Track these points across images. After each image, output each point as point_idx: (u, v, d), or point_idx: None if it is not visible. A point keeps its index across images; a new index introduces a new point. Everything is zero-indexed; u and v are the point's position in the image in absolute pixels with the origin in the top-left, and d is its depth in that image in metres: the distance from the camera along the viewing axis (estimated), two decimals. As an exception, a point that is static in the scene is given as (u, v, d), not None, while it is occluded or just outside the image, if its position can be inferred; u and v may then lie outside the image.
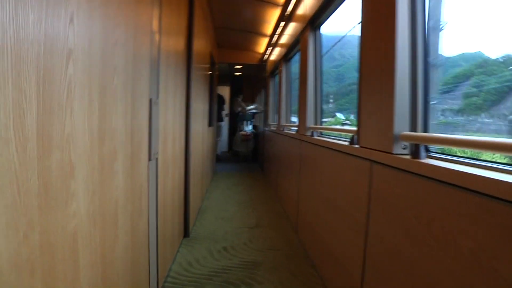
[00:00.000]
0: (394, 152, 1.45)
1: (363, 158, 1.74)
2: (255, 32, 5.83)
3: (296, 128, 3.77)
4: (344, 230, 2.02)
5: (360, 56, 1.86)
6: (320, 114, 3.09)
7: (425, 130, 1.48)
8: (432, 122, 1.50)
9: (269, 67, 6.80)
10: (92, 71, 0.94)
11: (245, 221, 3.78)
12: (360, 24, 1.86)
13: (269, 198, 4.94)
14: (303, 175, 3.21)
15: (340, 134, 2.74)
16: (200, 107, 4.00)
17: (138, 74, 1.41)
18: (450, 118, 1.70)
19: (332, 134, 2.87)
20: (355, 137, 1.96)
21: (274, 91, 6.70)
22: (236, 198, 4.89)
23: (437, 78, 1.55)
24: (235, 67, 8.68)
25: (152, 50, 1.63)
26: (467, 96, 1.69)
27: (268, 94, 6.97)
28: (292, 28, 4.09)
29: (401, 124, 1.46)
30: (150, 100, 1.61)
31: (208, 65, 4.82)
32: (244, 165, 8.43)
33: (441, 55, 1.53)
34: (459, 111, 1.69)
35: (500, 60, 1.54)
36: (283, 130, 4.74)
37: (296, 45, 4.12)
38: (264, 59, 7.08)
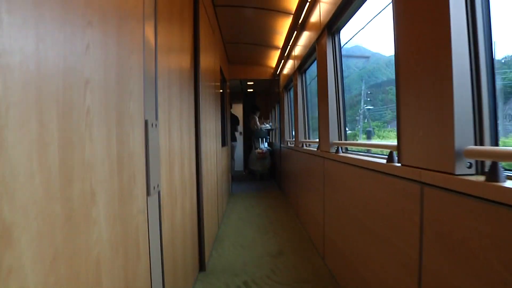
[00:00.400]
0: (457, 173, 1.12)
1: (409, 179, 1.41)
2: (266, 45, 5.60)
3: (317, 144, 3.45)
4: (387, 262, 1.67)
5: (396, 51, 1.53)
6: (344, 127, 2.78)
7: (495, 143, 1.15)
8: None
9: (282, 81, 6.55)
10: (44, 85, 0.66)
11: (266, 248, 3.44)
12: (393, 7, 1.54)
13: (290, 220, 4.59)
14: (328, 197, 2.88)
15: (369, 150, 2.41)
16: (212, 127, 3.74)
17: (127, 92, 1.13)
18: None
19: (360, 150, 2.55)
20: (395, 153, 1.64)
21: (289, 106, 6.42)
22: (255, 221, 4.56)
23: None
24: (248, 83, 8.47)
25: (146, 66, 1.37)
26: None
27: (283, 110, 6.69)
28: (306, 37, 3.83)
29: (463, 137, 1.12)
30: (146, 122, 1.33)
31: (218, 83, 4.58)
32: (261, 184, 8.10)
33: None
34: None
35: (502, 61, 1.46)
36: (302, 146, 4.42)
37: (312, 55, 3.84)
38: (276, 73, 6.85)
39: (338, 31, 2.80)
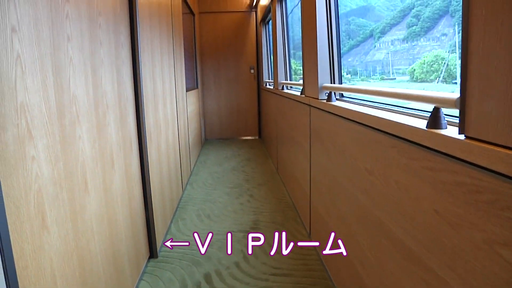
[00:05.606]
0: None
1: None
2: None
3: (300, 88, 2.69)
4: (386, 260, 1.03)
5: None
6: (339, 66, 1.98)
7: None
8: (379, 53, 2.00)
9: (259, 13, 5.55)
10: None
11: (239, 219, 2.80)
12: None
13: (270, 176, 3.95)
14: (316, 159, 2.16)
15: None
16: (169, 70, 2.90)
17: None
18: (398, 46, 1.92)
19: (359, 96, 1.81)
20: (442, 111, 0.91)
21: (268, 42, 5.50)
22: (228, 178, 3.90)
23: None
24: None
25: None
26: (409, 26, 1.87)
27: (261, 47, 5.76)
28: None
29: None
30: None
31: (179, 17, 3.64)
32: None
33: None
34: (404, 39, 1.90)
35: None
36: (282, 89, 3.65)
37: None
38: (253, 4, 5.84)
39: None
